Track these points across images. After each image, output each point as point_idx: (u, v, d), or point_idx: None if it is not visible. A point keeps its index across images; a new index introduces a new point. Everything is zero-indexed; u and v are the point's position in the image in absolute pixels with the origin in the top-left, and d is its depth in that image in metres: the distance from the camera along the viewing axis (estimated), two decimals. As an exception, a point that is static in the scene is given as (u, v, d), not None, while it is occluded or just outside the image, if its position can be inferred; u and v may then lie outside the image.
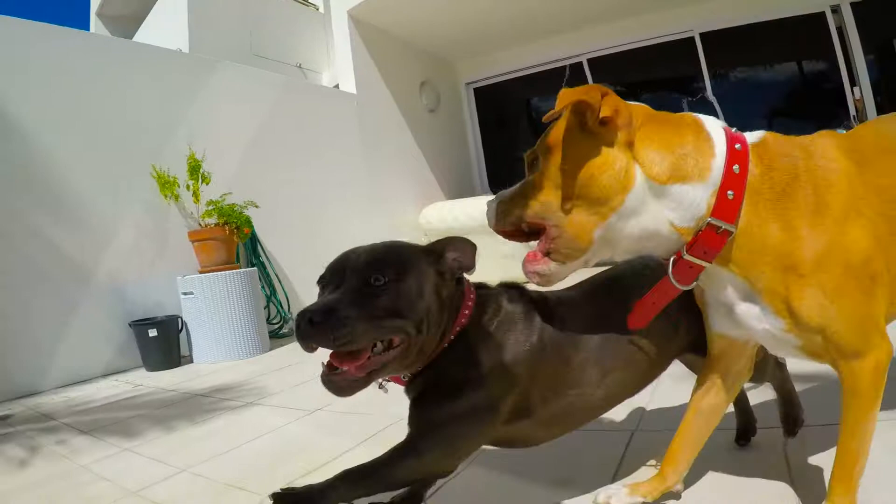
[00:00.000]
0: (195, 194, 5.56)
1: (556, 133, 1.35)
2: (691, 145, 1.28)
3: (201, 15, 9.64)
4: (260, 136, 6.97)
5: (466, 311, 1.44)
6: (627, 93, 10.18)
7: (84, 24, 14.01)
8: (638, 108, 1.33)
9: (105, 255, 5.26)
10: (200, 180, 5.58)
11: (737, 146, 1.28)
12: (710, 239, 1.26)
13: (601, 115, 1.25)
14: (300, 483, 1.30)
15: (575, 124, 1.30)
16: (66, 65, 5.31)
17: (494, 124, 11.36)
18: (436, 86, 10.34)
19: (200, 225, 5.48)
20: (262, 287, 6.16)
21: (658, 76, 10.22)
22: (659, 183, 1.26)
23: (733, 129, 1.34)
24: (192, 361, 5.30)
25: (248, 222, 5.62)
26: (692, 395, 1.56)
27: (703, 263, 1.29)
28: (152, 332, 5.00)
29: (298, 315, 1.20)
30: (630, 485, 1.57)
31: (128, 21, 13.18)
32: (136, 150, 5.62)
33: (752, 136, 1.34)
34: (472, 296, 1.48)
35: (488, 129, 11.27)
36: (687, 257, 1.29)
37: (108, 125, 5.48)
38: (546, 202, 1.33)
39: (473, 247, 1.41)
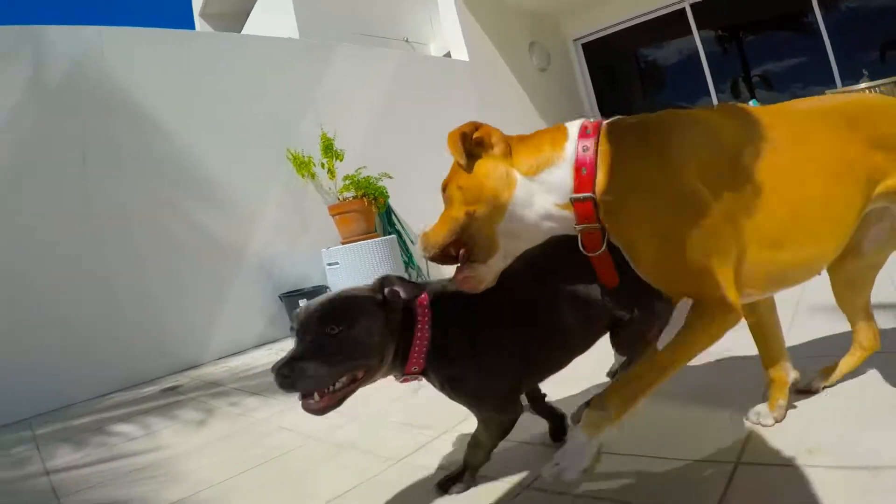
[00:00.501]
0: (330, 171, 5.83)
1: (453, 164, 1.64)
2: (549, 140, 1.58)
3: (307, 2, 9.95)
4: (383, 110, 7.21)
5: (423, 318, 1.64)
6: (732, 37, 9.93)
7: (189, 25, 14.61)
8: (512, 136, 1.65)
9: (252, 235, 5.64)
10: (334, 158, 5.84)
11: (587, 131, 1.54)
12: (580, 209, 1.51)
13: (474, 136, 1.60)
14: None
15: (462, 152, 1.59)
16: (200, 65, 5.74)
17: (605, 78, 11.26)
18: (544, 45, 10.31)
19: (339, 199, 5.74)
20: (401, 253, 6.38)
21: (765, 16, 9.79)
22: (533, 175, 1.55)
23: (591, 119, 1.59)
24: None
25: (384, 193, 5.85)
26: None
27: (594, 227, 1.52)
28: (302, 303, 5.24)
29: (272, 369, 1.44)
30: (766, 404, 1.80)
31: (231, 17, 13.67)
32: (272, 136, 5.99)
33: (607, 121, 1.59)
34: (424, 303, 1.66)
35: (600, 83, 11.17)
36: (578, 228, 1.54)
37: (243, 116, 5.86)
38: (456, 218, 1.57)
39: (403, 279, 1.61)
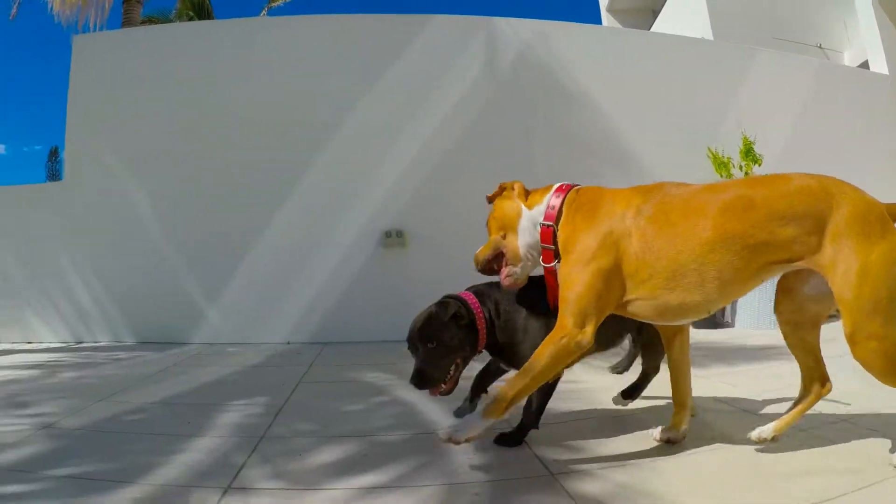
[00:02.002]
0: (747, 175, 5.96)
1: (493, 206, 2.46)
2: (541, 192, 2.35)
3: (721, 2, 10.07)
4: (801, 119, 7.16)
5: (480, 314, 2.33)
6: None
7: (595, 19, 15.38)
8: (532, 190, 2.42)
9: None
10: (753, 162, 6.02)
11: (563, 188, 2.30)
12: (544, 232, 2.26)
13: (501, 185, 2.48)
14: None
15: (499, 195, 2.47)
16: (628, 58, 6.42)
17: None
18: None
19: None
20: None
21: None
22: (531, 209, 2.32)
23: (565, 183, 2.34)
24: (732, 326, 5.92)
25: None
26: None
27: (550, 247, 2.24)
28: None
29: (411, 380, 2.20)
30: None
31: (636, 13, 14.15)
32: (692, 132, 6.34)
33: (578, 186, 2.32)
34: (478, 310, 2.34)
35: None
36: (542, 246, 2.27)
37: (665, 109, 6.35)
38: (496, 239, 2.37)
39: (461, 299, 2.33)
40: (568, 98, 6.11)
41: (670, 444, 2.23)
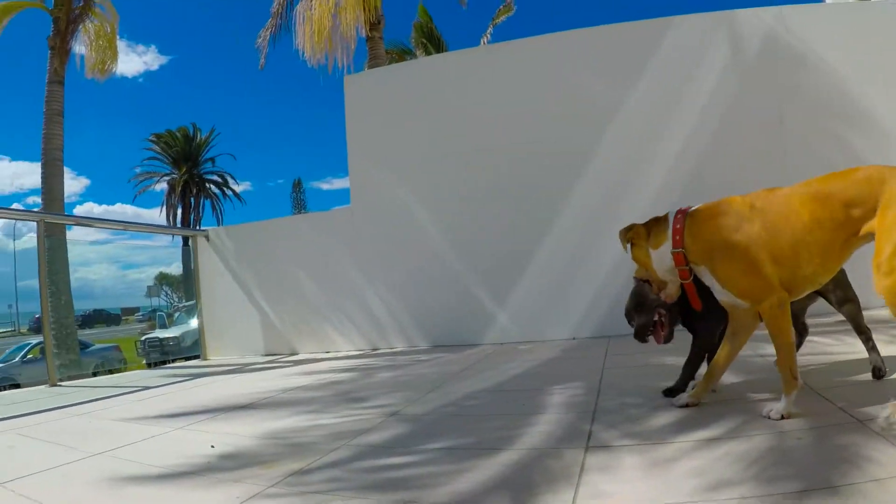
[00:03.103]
0: None
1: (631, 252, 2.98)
2: (663, 228, 2.83)
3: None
4: None
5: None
6: None
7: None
8: (646, 228, 2.91)
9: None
10: None
11: (678, 216, 2.78)
12: (677, 257, 2.76)
13: (628, 236, 2.96)
14: None
15: (624, 245, 2.99)
16: (871, 33, 6.18)
17: None
18: None
19: None
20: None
21: None
22: (656, 248, 2.83)
23: (680, 209, 2.83)
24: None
25: None
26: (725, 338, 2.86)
27: (684, 267, 2.76)
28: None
29: (634, 336, 3.06)
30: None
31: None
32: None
33: (688, 210, 2.80)
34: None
35: None
36: (677, 268, 2.80)
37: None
38: (642, 272, 2.98)
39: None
40: (817, 79, 5.98)
41: None
